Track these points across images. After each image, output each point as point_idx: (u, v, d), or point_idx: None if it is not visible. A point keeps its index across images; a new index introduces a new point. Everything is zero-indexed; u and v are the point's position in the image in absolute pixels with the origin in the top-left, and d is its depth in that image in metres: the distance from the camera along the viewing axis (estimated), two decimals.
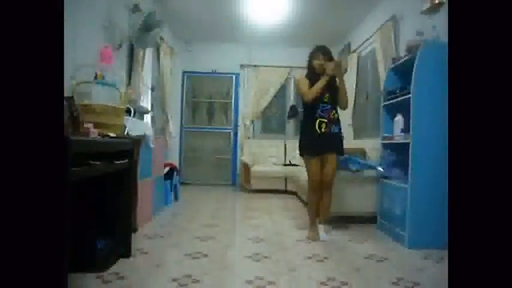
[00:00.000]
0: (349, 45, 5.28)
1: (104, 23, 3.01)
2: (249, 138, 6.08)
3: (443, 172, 2.45)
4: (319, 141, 2.66)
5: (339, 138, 2.73)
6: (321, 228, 2.74)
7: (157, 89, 4.89)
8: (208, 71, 6.12)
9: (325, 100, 2.67)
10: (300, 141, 2.79)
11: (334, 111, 2.70)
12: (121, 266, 1.97)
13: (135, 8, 3.51)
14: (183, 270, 1.93)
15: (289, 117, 5.94)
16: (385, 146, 3.06)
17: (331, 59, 2.69)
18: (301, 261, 2.17)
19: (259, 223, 3.16)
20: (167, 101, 4.97)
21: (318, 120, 2.66)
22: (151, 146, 3.12)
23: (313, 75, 2.72)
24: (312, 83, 2.67)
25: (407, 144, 2.56)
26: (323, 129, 2.65)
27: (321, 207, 2.83)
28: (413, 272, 2.03)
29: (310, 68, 2.76)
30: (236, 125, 6.19)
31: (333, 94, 2.70)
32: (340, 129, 2.74)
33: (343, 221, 3.24)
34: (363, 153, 3.52)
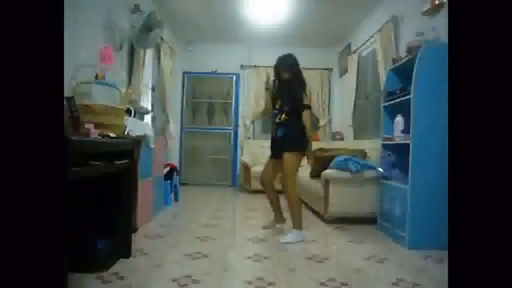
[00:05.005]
0: (349, 45, 5.28)
1: (105, 23, 3.01)
2: (249, 138, 6.08)
3: (443, 173, 2.45)
4: (272, 145, 2.87)
5: (284, 139, 2.70)
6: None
7: (158, 89, 4.89)
8: (209, 71, 6.12)
9: (276, 106, 2.78)
10: None
11: (280, 115, 2.73)
12: (121, 266, 1.97)
13: (136, 8, 3.51)
14: (183, 271, 1.93)
15: None
16: (385, 147, 3.06)
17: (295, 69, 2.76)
18: (301, 262, 2.17)
19: (259, 223, 3.15)
20: (167, 101, 4.97)
21: (273, 126, 2.84)
22: (152, 146, 3.12)
23: (278, 84, 2.85)
24: (275, 91, 2.86)
25: (408, 145, 2.56)
26: (273, 134, 2.83)
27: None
28: (413, 273, 2.03)
29: (278, 77, 2.81)
30: (236, 126, 6.19)
31: (283, 96, 2.75)
32: (284, 133, 2.70)
33: (343, 221, 3.25)
34: (362, 153, 3.53)
